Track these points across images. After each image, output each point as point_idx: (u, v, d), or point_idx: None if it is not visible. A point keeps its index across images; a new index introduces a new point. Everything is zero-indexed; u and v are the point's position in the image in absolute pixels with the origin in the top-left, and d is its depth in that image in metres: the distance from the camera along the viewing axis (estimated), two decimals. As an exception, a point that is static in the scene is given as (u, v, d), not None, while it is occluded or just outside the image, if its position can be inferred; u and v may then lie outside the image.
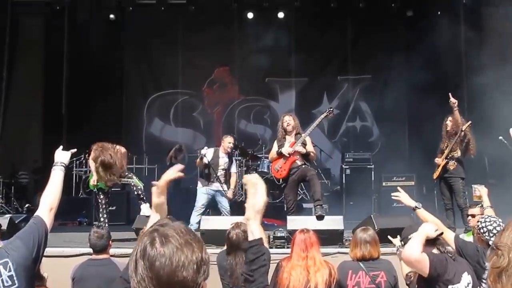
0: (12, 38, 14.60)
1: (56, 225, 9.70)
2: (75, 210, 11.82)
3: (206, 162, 9.72)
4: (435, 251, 4.08)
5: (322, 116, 9.11)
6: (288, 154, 8.75)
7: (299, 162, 8.77)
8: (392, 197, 4.96)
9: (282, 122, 9.14)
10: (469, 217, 6.43)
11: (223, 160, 9.88)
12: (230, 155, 10.11)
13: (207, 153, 9.88)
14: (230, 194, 9.83)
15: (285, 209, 9.21)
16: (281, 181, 9.07)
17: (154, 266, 1.75)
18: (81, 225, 11.37)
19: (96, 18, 14.92)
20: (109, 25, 15.02)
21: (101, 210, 9.53)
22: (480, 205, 5.95)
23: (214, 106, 16.87)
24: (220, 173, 9.81)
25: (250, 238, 2.63)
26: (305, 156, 8.88)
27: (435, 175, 9.29)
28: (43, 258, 5.14)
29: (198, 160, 9.84)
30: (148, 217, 5.48)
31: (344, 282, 4.74)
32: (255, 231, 2.64)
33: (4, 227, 7.90)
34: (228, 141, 9.90)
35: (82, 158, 13.39)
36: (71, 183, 13.74)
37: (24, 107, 14.61)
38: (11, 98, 14.62)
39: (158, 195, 2.85)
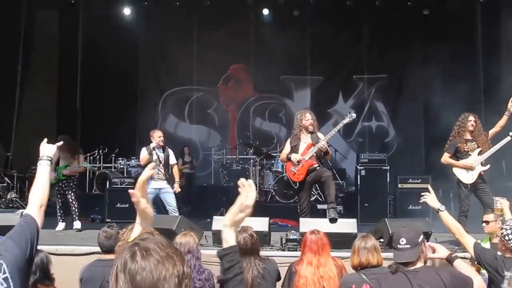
0: (27, 32, 14.60)
1: (70, 220, 9.83)
2: (88, 207, 11.78)
3: (156, 157, 9.66)
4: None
5: (344, 121, 8.57)
6: (297, 162, 8.49)
7: (315, 165, 8.53)
8: (421, 196, 4.82)
9: (302, 120, 8.67)
10: (484, 224, 6.28)
11: (155, 156, 9.72)
12: (164, 149, 9.91)
13: (141, 152, 9.84)
14: (177, 187, 9.82)
15: (299, 210, 9.01)
16: (297, 184, 8.64)
17: (135, 280, 1.74)
18: (94, 222, 11.33)
19: (111, 12, 14.83)
20: (123, 20, 14.95)
21: (57, 205, 10.02)
22: (501, 218, 5.80)
23: (229, 103, 16.82)
24: (159, 170, 9.62)
25: (224, 245, 2.54)
26: (320, 157, 8.70)
27: (471, 180, 8.36)
28: (54, 257, 5.09)
29: (146, 156, 9.62)
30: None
31: None
32: (230, 239, 2.54)
33: (15, 223, 7.85)
34: (157, 135, 9.71)
35: (96, 154, 13.39)
36: (85, 179, 13.75)
37: (38, 100, 14.58)
38: (26, 92, 14.62)
39: (138, 201, 2.61)
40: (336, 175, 13.55)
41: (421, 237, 3.91)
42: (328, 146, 8.76)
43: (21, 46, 14.44)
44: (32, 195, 3.09)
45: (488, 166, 8.39)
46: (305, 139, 8.64)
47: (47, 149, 3.41)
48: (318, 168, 8.54)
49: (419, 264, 3.84)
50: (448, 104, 12.88)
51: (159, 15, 15.61)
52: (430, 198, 4.72)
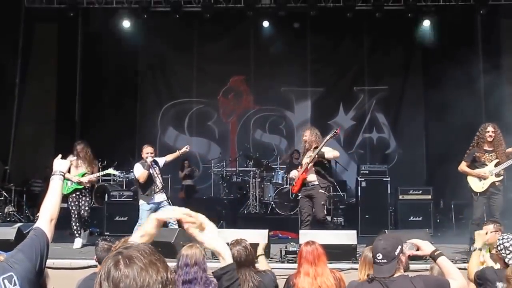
0: (25, 45, 14.65)
1: (67, 234, 9.75)
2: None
3: (150, 172, 9.49)
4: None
5: (328, 137, 8.88)
6: (293, 177, 9.11)
7: (309, 179, 8.87)
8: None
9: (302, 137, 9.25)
10: None
11: (152, 170, 9.55)
12: (156, 162, 9.74)
13: (136, 169, 9.60)
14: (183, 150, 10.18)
15: (299, 221, 9.16)
16: (293, 195, 9.44)
17: (119, 287, 1.75)
18: (92, 235, 11.24)
19: (110, 25, 14.80)
20: (123, 32, 14.92)
21: (72, 218, 9.68)
22: (497, 222, 5.76)
23: (229, 116, 16.79)
24: (159, 183, 9.57)
25: (222, 263, 2.50)
26: (322, 169, 8.89)
27: (481, 189, 8.47)
28: (51, 271, 5.03)
29: (144, 172, 9.38)
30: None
31: None
32: (227, 256, 2.51)
33: (12, 237, 7.84)
34: (145, 151, 9.52)
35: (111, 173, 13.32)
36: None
37: (37, 113, 14.62)
38: (24, 105, 14.66)
39: (154, 228, 2.56)
40: (337, 186, 13.50)
41: (399, 248, 3.84)
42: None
43: (19, 59, 14.47)
44: (43, 209, 3.14)
45: (501, 177, 8.41)
46: (309, 154, 8.93)
47: (61, 165, 3.49)
48: (311, 185, 8.88)
49: (397, 274, 3.81)
50: (449, 115, 12.88)
51: (159, 28, 15.59)
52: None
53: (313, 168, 8.86)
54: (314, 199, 8.81)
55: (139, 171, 9.47)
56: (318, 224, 8.79)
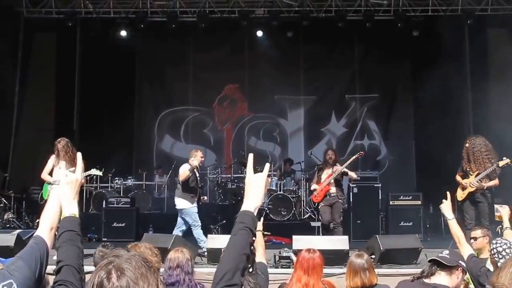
0: (24, 54, 14.82)
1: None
2: (85, 226, 11.85)
3: (197, 174, 9.96)
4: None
5: (353, 158, 10.86)
6: (313, 190, 10.80)
7: (331, 191, 10.44)
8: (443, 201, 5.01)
9: (325, 155, 10.90)
10: (472, 240, 6.44)
11: (198, 174, 10.09)
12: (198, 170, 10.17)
13: (182, 167, 9.98)
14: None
15: (321, 224, 10.70)
16: (315, 204, 11.03)
17: None
18: (91, 241, 11.43)
19: (108, 35, 15.03)
20: (120, 42, 15.14)
21: None
22: (500, 226, 6.03)
23: (224, 123, 17.00)
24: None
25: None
26: (338, 184, 10.66)
27: (460, 198, 8.99)
28: (50, 277, 5.20)
29: (187, 172, 9.74)
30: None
31: None
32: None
33: (11, 243, 7.91)
34: (201, 155, 10.18)
35: (93, 174, 13.52)
36: (82, 199, 13.85)
37: (36, 121, 14.72)
38: (23, 113, 14.80)
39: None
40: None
41: (462, 263, 4.12)
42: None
43: (18, 68, 14.60)
44: (43, 218, 3.12)
45: (475, 188, 8.77)
46: (327, 170, 10.59)
47: (61, 175, 3.62)
48: (332, 196, 10.45)
49: (444, 281, 4.01)
50: (438, 122, 13.15)
51: (156, 38, 15.82)
52: (445, 206, 4.97)
53: (333, 182, 10.43)
54: (334, 207, 10.42)
55: (182, 170, 9.86)
56: (334, 227, 10.32)
